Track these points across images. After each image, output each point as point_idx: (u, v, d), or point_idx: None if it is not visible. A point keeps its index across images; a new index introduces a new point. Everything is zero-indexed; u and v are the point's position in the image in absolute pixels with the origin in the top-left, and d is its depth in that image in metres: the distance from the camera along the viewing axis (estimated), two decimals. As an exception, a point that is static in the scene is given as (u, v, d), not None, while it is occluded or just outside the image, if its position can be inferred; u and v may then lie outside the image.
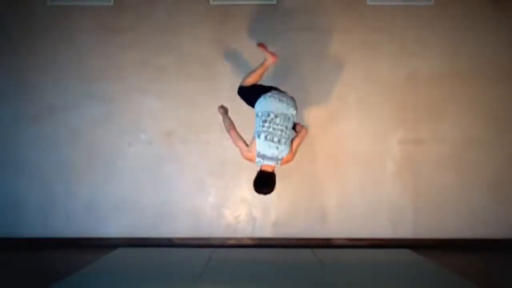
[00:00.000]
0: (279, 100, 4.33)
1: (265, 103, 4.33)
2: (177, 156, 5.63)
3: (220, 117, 4.69)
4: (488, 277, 4.25)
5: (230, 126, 4.46)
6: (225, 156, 5.58)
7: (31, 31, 5.63)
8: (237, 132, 4.41)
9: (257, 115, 4.36)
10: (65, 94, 5.62)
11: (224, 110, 4.66)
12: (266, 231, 5.59)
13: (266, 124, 4.24)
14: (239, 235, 5.57)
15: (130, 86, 5.64)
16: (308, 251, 5.11)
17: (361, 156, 5.59)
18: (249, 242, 5.54)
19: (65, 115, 5.61)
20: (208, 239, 5.53)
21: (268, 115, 4.26)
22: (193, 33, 5.66)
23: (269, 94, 4.36)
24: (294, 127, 4.47)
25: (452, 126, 5.62)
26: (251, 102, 4.46)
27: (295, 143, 4.34)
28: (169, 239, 5.55)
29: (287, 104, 4.33)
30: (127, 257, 4.87)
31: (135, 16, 5.66)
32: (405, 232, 5.56)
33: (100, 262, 4.60)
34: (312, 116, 5.52)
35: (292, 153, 4.31)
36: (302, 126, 4.49)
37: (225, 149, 5.55)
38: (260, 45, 4.76)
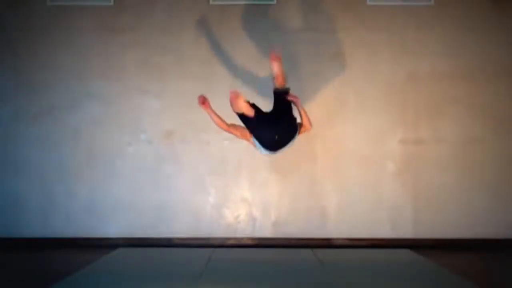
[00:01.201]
0: (277, 151, 4.26)
1: (264, 152, 4.30)
2: (177, 156, 5.63)
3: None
4: (488, 277, 4.25)
5: (222, 123, 4.33)
6: (225, 156, 5.58)
7: (31, 31, 5.63)
8: (232, 126, 4.34)
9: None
10: (65, 94, 5.62)
11: (209, 107, 4.33)
12: (266, 231, 5.58)
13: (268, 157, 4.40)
14: (239, 235, 5.56)
15: (130, 86, 5.64)
16: (308, 251, 5.10)
17: (361, 156, 5.59)
18: (249, 242, 5.54)
19: (65, 115, 5.61)
20: (208, 239, 5.53)
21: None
22: (193, 33, 5.66)
23: (267, 152, 4.26)
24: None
25: (452, 126, 5.62)
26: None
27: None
28: (169, 239, 5.55)
29: (285, 147, 4.26)
30: (127, 257, 4.87)
31: (135, 16, 5.66)
32: (405, 232, 5.55)
33: (100, 262, 4.60)
34: (312, 116, 5.48)
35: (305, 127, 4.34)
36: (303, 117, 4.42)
37: (225, 149, 5.55)
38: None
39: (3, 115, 5.61)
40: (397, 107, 5.62)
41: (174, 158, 5.62)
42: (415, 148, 5.61)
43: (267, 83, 5.60)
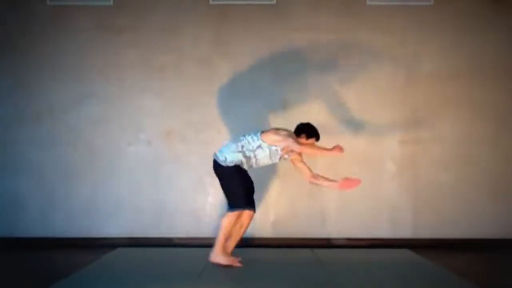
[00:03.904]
0: None
1: None
2: (177, 155, 5.63)
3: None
4: (488, 277, 4.25)
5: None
6: (225, 156, 5.57)
7: (31, 31, 5.63)
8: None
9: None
10: (65, 93, 5.62)
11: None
12: (266, 231, 5.59)
13: None
14: (238, 235, 5.56)
15: (129, 86, 5.64)
16: (308, 251, 5.11)
17: (361, 156, 5.59)
18: (249, 242, 5.53)
19: (64, 114, 5.62)
20: (208, 239, 5.52)
21: None
22: (193, 33, 5.66)
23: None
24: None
25: (452, 126, 5.63)
26: None
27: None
28: (169, 239, 5.55)
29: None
30: (127, 257, 4.87)
31: (135, 16, 5.66)
32: (405, 232, 5.56)
33: (100, 262, 4.60)
34: (312, 116, 5.50)
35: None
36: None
37: (225, 149, 5.55)
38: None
39: (3, 115, 5.61)
40: (397, 107, 5.63)
41: (174, 158, 5.63)
42: (415, 148, 5.61)
43: (267, 83, 5.62)
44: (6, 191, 5.57)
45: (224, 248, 4.41)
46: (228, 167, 4.39)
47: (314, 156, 4.45)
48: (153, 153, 5.62)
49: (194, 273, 4.18)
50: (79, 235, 5.54)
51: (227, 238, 4.44)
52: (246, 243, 5.50)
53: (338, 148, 4.37)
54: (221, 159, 4.42)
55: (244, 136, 4.48)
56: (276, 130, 4.48)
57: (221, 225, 4.41)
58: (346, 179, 4.50)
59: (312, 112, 5.55)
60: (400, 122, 5.62)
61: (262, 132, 4.47)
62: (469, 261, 4.86)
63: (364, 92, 5.62)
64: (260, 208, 5.59)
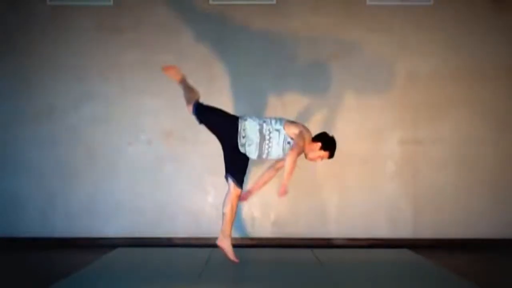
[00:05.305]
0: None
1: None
2: (177, 155, 5.63)
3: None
4: (488, 277, 4.25)
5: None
6: (225, 156, 5.57)
7: (31, 31, 5.64)
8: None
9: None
10: (64, 93, 5.63)
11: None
12: (266, 231, 5.59)
13: None
14: (238, 235, 5.56)
15: (129, 86, 5.64)
16: (308, 251, 5.11)
17: (361, 156, 5.59)
18: (249, 242, 5.54)
19: (64, 114, 5.62)
20: (208, 239, 5.52)
21: None
22: (193, 33, 5.66)
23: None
24: None
25: (452, 126, 5.63)
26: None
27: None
28: (169, 239, 5.55)
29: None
30: (127, 257, 4.87)
31: (135, 16, 5.66)
32: (405, 232, 5.56)
33: (100, 262, 4.60)
34: (312, 116, 5.51)
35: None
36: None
37: (225, 149, 5.54)
38: None
39: (3, 115, 5.61)
40: (397, 107, 5.63)
41: (173, 158, 5.63)
42: (415, 148, 5.61)
43: (267, 83, 5.63)
44: (6, 191, 5.57)
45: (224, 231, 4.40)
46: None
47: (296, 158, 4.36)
48: (153, 153, 5.62)
49: (194, 273, 4.17)
50: (79, 235, 5.54)
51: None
52: (246, 243, 5.53)
53: (284, 190, 4.30)
54: (242, 116, 4.46)
55: (269, 118, 4.46)
56: (298, 124, 4.38)
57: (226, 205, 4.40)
58: (247, 193, 4.63)
59: (312, 113, 5.55)
60: (400, 122, 5.62)
61: (287, 121, 4.38)
62: (469, 261, 4.86)
63: (364, 92, 5.62)
64: (260, 208, 5.60)
